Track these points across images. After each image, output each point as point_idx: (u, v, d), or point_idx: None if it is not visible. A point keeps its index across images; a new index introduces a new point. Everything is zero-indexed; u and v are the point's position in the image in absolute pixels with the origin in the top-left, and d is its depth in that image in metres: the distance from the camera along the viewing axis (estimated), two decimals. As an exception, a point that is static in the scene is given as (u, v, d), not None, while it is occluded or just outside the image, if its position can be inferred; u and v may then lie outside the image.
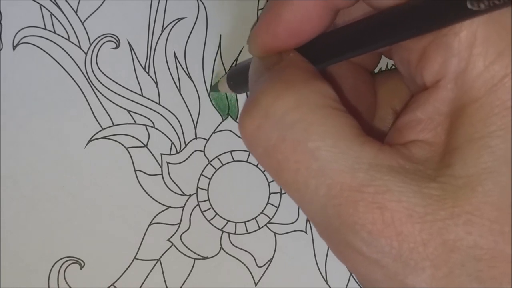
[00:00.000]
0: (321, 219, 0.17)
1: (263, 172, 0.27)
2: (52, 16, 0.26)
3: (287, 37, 0.19)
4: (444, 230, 0.16)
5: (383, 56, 0.25)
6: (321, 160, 0.17)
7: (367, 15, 0.18)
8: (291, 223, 0.27)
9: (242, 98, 0.27)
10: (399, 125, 0.18)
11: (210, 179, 0.27)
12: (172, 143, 0.27)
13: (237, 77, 0.24)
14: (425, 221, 0.16)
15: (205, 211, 0.27)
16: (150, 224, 0.27)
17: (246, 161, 0.27)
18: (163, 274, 0.27)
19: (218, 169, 0.27)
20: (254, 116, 0.18)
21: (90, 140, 0.27)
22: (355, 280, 0.27)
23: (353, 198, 0.16)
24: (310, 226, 0.27)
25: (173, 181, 0.27)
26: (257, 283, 0.27)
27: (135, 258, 0.27)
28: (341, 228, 0.16)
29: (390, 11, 0.17)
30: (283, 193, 0.27)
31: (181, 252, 0.27)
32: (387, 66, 0.27)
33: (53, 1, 0.26)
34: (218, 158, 0.27)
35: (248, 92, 0.26)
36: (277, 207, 0.27)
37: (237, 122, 0.27)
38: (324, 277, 0.27)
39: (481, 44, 0.16)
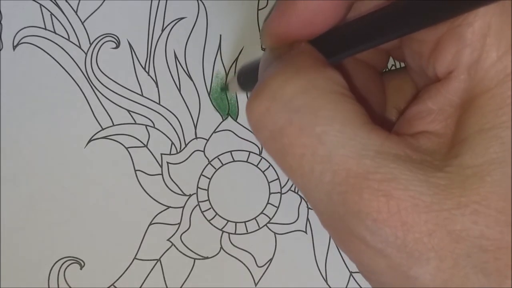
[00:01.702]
0: (326, 207, 0.17)
1: (263, 172, 0.27)
2: (52, 16, 0.26)
3: (300, 27, 0.19)
4: (450, 220, 0.15)
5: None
6: (328, 145, 0.16)
7: (379, 6, 0.18)
8: (291, 223, 0.27)
9: (242, 98, 0.27)
10: (408, 115, 0.18)
11: (210, 179, 0.27)
12: (172, 143, 0.27)
13: (247, 74, 0.24)
14: (431, 210, 0.15)
15: (205, 211, 0.27)
16: (150, 224, 0.27)
17: (246, 161, 0.27)
18: (163, 274, 0.27)
19: (218, 169, 0.27)
20: (262, 99, 0.17)
21: (90, 140, 0.27)
22: (355, 280, 0.27)
23: (359, 185, 0.16)
24: (310, 226, 0.27)
25: (173, 181, 0.27)
26: (257, 283, 0.27)
27: (135, 258, 0.27)
28: (345, 216, 0.16)
29: (402, 1, 0.17)
30: (283, 193, 0.27)
31: (181, 252, 0.27)
32: (387, 68, 0.27)
33: (53, 1, 0.26)
34: (218, 158, 0.27)
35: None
36: (277, 207, 0.27)
37: (237, 122, 0.27)
38: (324, 277, 0.27)
39: (494, 34, 0.16)
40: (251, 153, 0.27)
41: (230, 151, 0.27)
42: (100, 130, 0.27)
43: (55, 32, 0.26)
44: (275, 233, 0.27)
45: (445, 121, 0.17)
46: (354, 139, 0.16)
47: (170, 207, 0.27)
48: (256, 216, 0.27)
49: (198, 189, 0.27)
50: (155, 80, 0.27)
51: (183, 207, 0.27)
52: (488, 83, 0.16)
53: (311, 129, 0.17)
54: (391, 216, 0.16)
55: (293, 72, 0.17)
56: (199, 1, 0.27)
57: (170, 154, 0.27)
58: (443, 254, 0.15)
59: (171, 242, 0.27)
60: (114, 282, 0.27)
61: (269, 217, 0.27)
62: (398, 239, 0.16)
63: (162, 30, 0.27)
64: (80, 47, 0.26)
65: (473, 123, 0.16)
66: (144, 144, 0.27)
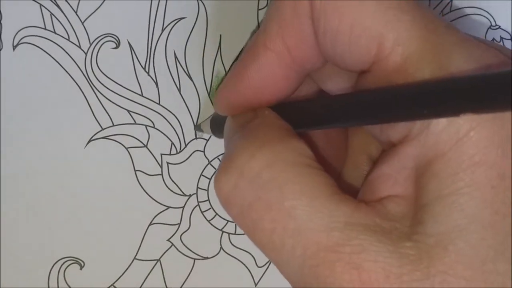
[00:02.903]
0: (298, 279, 0.17)
1: (263, 172, 0.27)
2: (52, 16, 0.26)
3: (251, 94, 0.19)
4: None
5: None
6: (297, 219, 0.16)
7: (347, 90, 0.19)
8: (291, 223, 0.27)
9: (242, 98, 0.27)
10: (370, 180, 0.18)
11: (210, 179, 0.27)
12: (172, 143, 0.27)
13: (219, 123, 0.24)
14: (402, 281, 0.16)
15: (205, 211, 0.27)
16: (150, 224, 0.27)
17: (246, 161, 0.27)
18: (163, 274, 0.27)
19: (218, 169, 0.27)
20: (229, 175, 0.18)
21: (90, 140, 0.27)
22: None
23: (330, 258, 0.16)
24: (310, 226, 0.27)
25: (173, 181, 0.27)
26: (257, 283, 0.27)
27: (135, 258, 0.27)
28: None
29: (378, 91, 0.17)
30: (283, 193, 0.27)
31: (181, 252, 0.27)
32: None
33: (53, 1, 0.26)
34: (218, 158, 0.27)
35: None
36: (277, 207, 0.27)
37: (237, 122, 0.27)
38: (324, 277, 0.27)
39: None
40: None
41: (230, 151, 0.27)
42: (100, 130, 0.27)
43: (55, 32, 0.26)
44: (275, 233, 0.27)
45: (404, 184, 0.17)
46: (322, 211, 0.16)
47: (170, 207, 0.27)
48: (256, 216, 0.27)
49: (198, 189, 0.27)
50: (155, 80, 0.27)
51: (183, 207, 0.27)
52: (441, 148, 0.16)
53: (279, 204, 0.17)
54: None
55: (258, 145, 0.17)
56: (199, 1, 0.26)
57: (170, 154, 0.27)
58: None
59: (171, 242, 0.27)
60: (114, 282, 0.27)
61: (269, 217, 0.27)
62: None
63: (162, 30, 0.26)
64: (80, 47, 0.26)
65: (432, 189, 0.16)
66: (144, 144, 0.27)
